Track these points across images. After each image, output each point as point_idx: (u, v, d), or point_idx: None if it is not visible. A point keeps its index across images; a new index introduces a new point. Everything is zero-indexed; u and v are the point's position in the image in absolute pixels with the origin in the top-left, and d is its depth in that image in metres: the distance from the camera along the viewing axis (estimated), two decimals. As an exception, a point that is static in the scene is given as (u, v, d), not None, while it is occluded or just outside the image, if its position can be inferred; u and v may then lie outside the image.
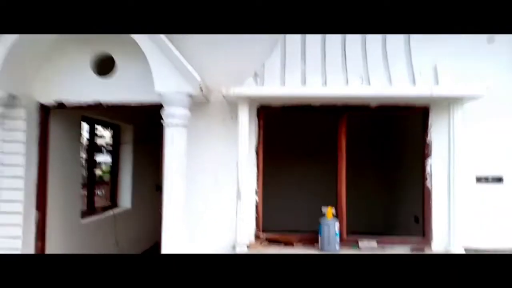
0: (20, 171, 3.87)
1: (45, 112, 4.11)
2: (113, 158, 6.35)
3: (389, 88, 3.42)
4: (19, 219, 3.87)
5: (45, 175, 4.18)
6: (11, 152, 3.83)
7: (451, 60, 3.68)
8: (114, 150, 6.36)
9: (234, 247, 3.64)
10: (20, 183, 3.87)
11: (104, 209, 6.02)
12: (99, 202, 6.23)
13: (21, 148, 3.87)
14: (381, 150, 6.58)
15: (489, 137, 3.75)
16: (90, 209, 5.66)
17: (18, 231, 3.87)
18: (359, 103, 3.71)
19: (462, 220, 3.53)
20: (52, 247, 4.32)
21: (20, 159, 3.86)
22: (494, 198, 3.73)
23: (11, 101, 3.73)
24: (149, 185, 7.19)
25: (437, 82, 3.49)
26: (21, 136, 3.87)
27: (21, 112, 3.85)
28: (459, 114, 3.52)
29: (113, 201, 6.35)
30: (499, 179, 3.75)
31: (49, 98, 3.98)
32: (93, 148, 5.79)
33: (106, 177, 8.25)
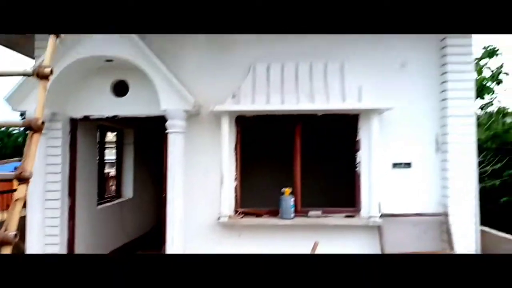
0: (58, 168, 5.21)
1: (74, 124, 5.43)
2: (117, 156, 7.66)
3: (326, 104, 4.92)
4: (57, 204, 5.21)
5: (75, 170, 5.50)
6: (52, 154, 5.15)
7: (375, 81, 5.18)
8: (118, 150, 7.68)
9: (219, 218, 5.06)
10: (58, 177, 5.21)
11: (112, 198, 7.36)
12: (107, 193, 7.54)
13: (58, 151, 5.20)
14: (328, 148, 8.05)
15: (402, 135, 5.26)
16: (101, 198, 6.99)
17: (57, 213, 5.21)
18: (309, 113, 5.17)
19: (378, 195, 5.04)
20: (78, 226, 5.65)
21: (58, 159, 5.20)
22: (405, 178, 5.26)
23: (52, 117, 5.05)
24: (146, 179, 8.54)
25: (360, 99, 4.99)
26: (58, 142, 5.21)
27: (58, 125, 5.18)
28: (375, 121, 5.00)
29: (118, 192, 7.69)
30: (408, 164, 5.29)
31: (78, 114, 5.32)
32: (103, 149, 7.11)
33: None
